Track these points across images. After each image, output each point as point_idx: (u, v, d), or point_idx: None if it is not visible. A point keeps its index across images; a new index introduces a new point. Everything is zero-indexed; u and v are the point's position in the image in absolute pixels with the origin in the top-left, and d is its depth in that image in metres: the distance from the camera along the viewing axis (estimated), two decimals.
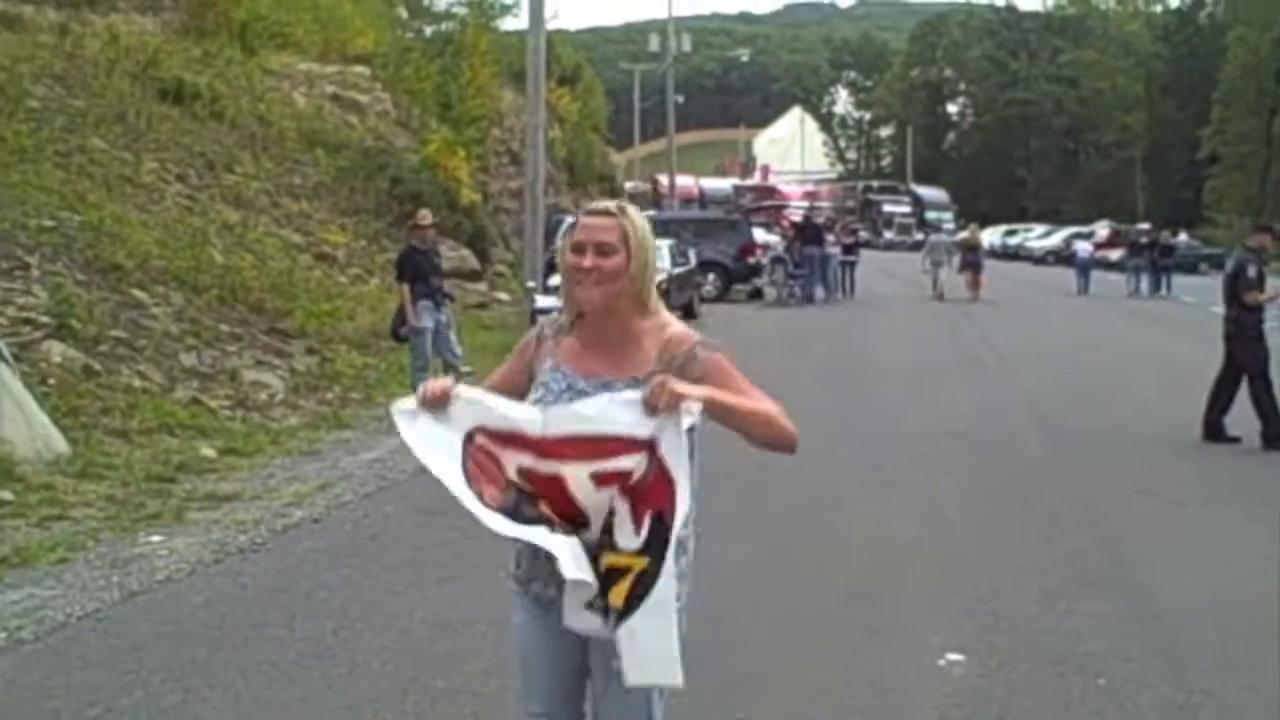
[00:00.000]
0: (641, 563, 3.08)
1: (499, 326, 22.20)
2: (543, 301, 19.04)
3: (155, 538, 8.17)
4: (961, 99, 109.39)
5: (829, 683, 5.61)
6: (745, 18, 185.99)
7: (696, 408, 3.05)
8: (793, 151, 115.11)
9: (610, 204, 3.32)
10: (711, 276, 30.48)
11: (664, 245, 25.09)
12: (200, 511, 8.98)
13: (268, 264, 17.97)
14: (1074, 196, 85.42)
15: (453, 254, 23.50)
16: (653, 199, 57.86)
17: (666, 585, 3.08)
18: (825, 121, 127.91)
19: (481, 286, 25.85)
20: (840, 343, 21.41)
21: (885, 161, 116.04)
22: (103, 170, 17.36)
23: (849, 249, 34.30)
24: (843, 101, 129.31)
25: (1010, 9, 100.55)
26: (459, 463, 3.25)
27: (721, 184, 74.48)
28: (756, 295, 31.43)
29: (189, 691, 5.46)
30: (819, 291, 31.52)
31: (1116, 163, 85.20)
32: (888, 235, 74.24)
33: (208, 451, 11.04)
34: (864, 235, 65.91)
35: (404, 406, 3.31)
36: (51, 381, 11.28)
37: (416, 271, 13.44)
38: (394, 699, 5.40)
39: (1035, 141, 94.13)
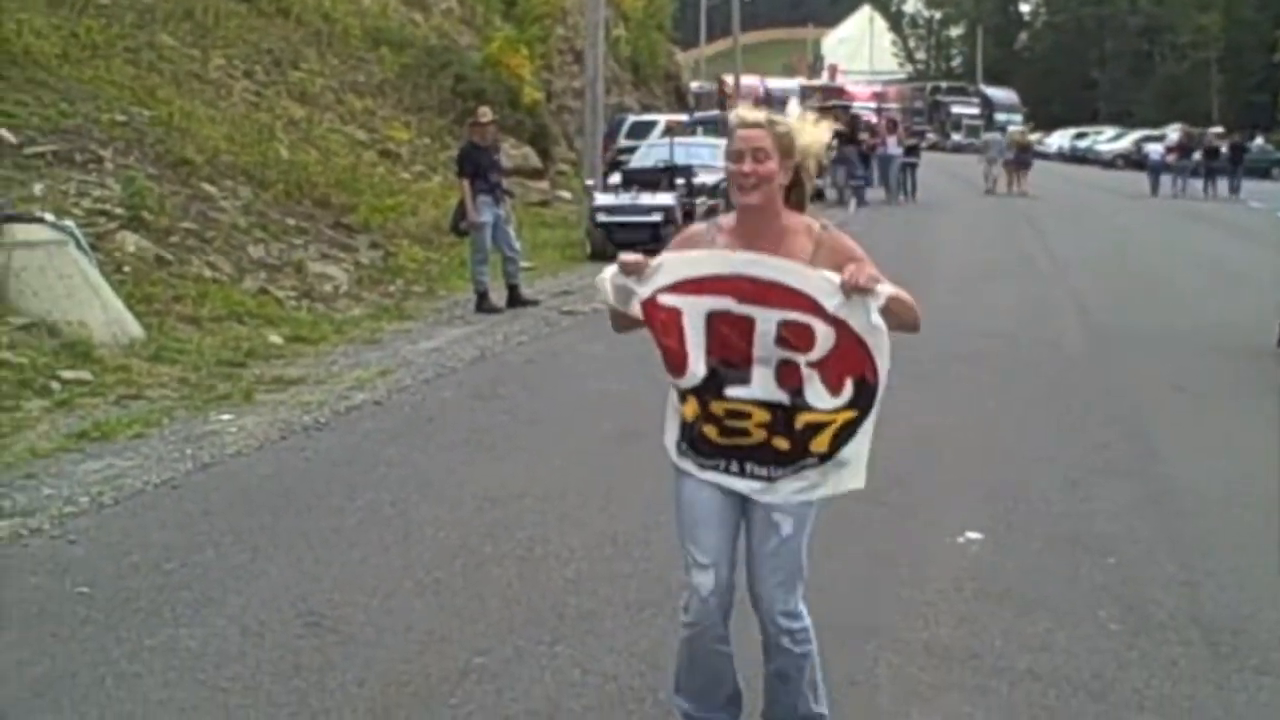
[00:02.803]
0: (848, 415, 3.64)
1: (560, 224, 22.53)
2: (601, 199, 19.31)
3: (225, 416, 8.65)
4: None
5: (856, 556, 5.94)
6: None
7: (887, 290, 3.53)
8: (861, 51, 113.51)
9: (760, 115, 3.70)
10: None
11: (722, 145, 25.18)
12: (268, 393, 9.45)
13: (332, 160, 18.36)
14: (1146, 99, 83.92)
15: (515, 152, 23.80)
16: (718, 99, 57.55)
17: (870, 422, 3.69)
18: (895, 21, 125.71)
19: (543, 184, 26.12)
20: (896, 244, 21.51)
21: (955, 62, 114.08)
22: (171, 66, 17.77)
23: (910, 150, 34.20)
24: (913, 0, 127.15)
25: None
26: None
27: (788, 84, 73.53)
28: (818, 196, 31.38)
29: (256, 550, 5.91)
30: (867, 194, 31.53)
31: (1191, 64, 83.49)
32: (955, 137, 73.47)
33: (275, 339, 11.52)
34: (932, 137, 65.44)
35: (605, 275, 3.75)
36: (126, 270, 11.77)
37: (476, 167, 13.74)
38: (445, 561, 5.82)
39: (1109, 42, 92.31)
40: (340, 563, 5.79)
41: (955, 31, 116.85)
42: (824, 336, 3.56)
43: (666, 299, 3.67)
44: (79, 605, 5.21)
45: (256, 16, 21.78)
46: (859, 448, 3.71)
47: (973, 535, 6.34)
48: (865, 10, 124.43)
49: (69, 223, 10.96)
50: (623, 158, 25.57)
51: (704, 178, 21.14)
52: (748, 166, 3.62)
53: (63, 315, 10.10)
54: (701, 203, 19.96)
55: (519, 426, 8.70)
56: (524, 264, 15.07)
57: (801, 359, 3.60)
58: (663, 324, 3.69)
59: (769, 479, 3.72)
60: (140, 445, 7.85)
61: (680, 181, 19.74)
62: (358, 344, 11.79)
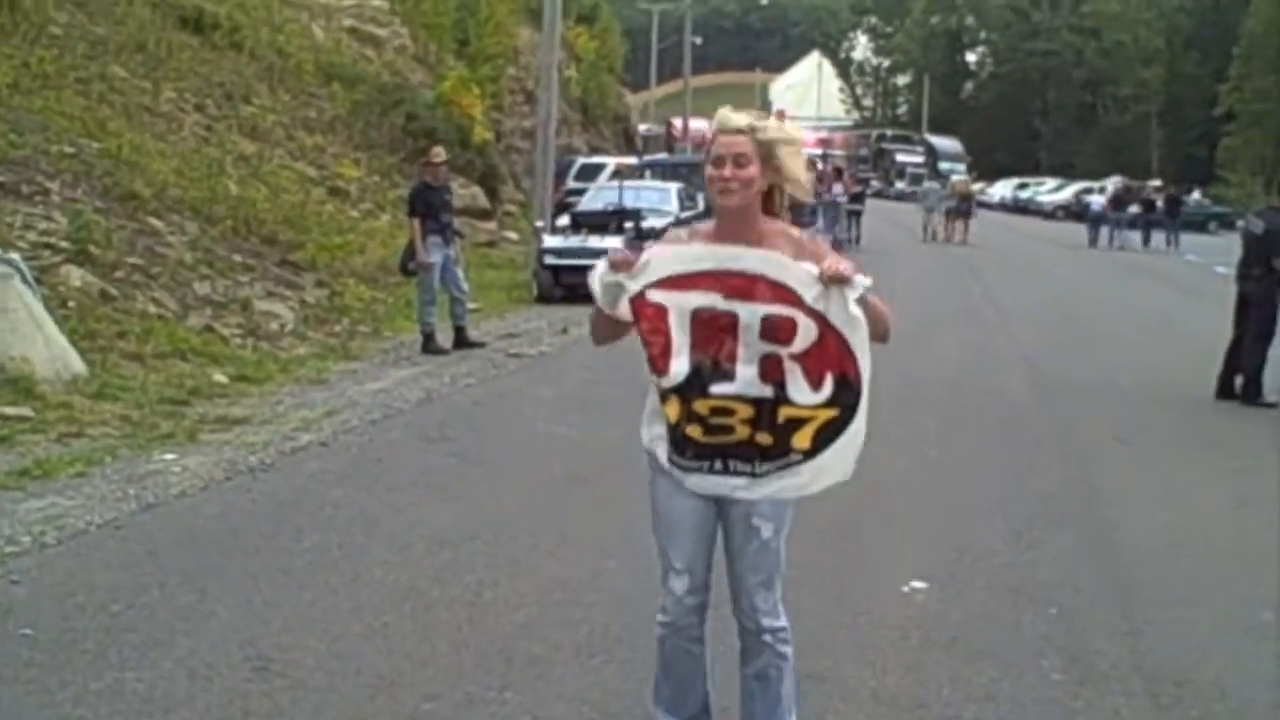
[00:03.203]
0: (828, 414, 3.73)
1: (507, 265, 22.58)
2: (550, 241, 19.35)
3: (169, 456, 8.58)
4: (981, 48, 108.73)
5: (803, 602, 5.93)
6: None
7: (865, 281, 3.65)
8: (809, 97, 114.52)
9: (741, 123, 3.76)
10: None
11: (671, 188, 25.33)
12: (212, 433, 9.39)
13: (281, 196, 18.32)
14: (1088, 150, 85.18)
15: (463, 192, 23.80)
16: (666, 142, 57.90)
17: (858, 428, 3.78)
18: (843, 68, 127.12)
19: (491, 225, 26.18)
20: None
21: (901, 110, 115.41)
22: (122, 98, 17.69)
23: (855, 198, 34.54)
24: (861, 47, 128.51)
25: None
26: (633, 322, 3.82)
27: None
28: None
29: (204, 592, 5.87)
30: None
31: (1133, 117, 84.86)
32: (899, 185, 74.15)
33: (219, 377, 11.45)
34: (876, 184, 65.95)
35: (597, 273, 3.81)
36: (71, 305, 11.67)
37: (427, 207, 13.75)
38: (394, 605, 5.79)
39: (1053, 93, 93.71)
40: (289, 605, 5.76)
41: (902, 80, 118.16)
42: (805, 329, 3.66)
43: (655, 295, 3.73)
44: (22, 647, 5.14)
45: (209, 50, 21.74)
46: (844, 450, 3.78)
47: (918, 584, 6.39)
48: (814, 56, 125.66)
49: (14, 255, 10.86)
50: (571, 199, 25.69)
51: (653, 221, 21.25)
52: (728, 171, 3.71)
53: (5, 350, 9.98)
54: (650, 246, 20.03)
55: (467, 469, 8.70)
56: (470, 305, 15.07)
57: (784, 351, 3.68)
58: (650, 321, 3.75)
59: (752, 474, 3.79)
60: (82, 484, 7.77)
61: (629, 225, 19.83)
62: (303, 384, 11.74)
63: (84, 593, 5.80)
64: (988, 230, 41.07)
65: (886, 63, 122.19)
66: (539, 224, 20.21)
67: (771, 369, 3.70)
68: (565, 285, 18.79)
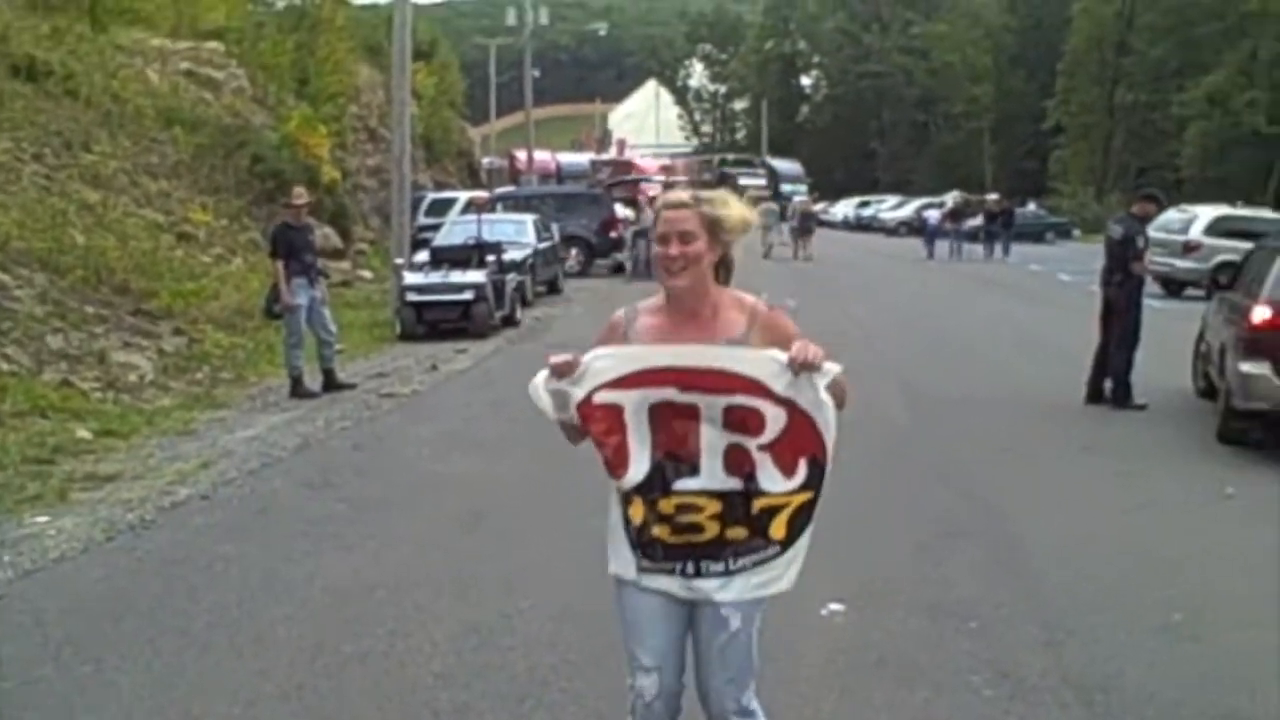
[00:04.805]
0: (803, 497, 3.55)
1: (364, 304, 22.21)
2: (411, 278, 19.07)
3: (41, 518, 8.19)
4: (815, 71, 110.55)
5: None
6: None
7: (834, 368, 3.47)
8: (648, 125, 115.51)
9: (685, 196, 3.60)
10: (575, 251, 30.67)
11: (527, 220, 25.22)
12: (83, 491, 9.00)
13: (130, 244, 17.72)
14: (924, 167, 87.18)
15: (315, 232, 23.39)
16: (510, 175, 57.68)
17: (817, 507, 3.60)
18: (680, 95, 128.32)
19: (345, 265, 25.78)
20: None
21: (740, 134, 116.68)
22: None
23: None
24: (698, 74, 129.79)
25: None
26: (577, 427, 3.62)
27: (578, 158, 74.35)
28: (619, 270, 31.59)
29: (100, 662, 5.56)
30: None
31: (966, 133, 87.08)
32: None
33: (83, 433, 11.00)
34: None
35: (538, 383, 3.60)
36: None
37: (290, 248, 13.39)
38: (304, 664, 5.56)
39: (887, 113, 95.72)
40: (195, 669, 5.49)
41: (739, 105, 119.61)
42: (774, 418, 3.47)
43: (604, 396, 3.53)
44: None
45: (44, 98, 20.98)
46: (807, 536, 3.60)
47: (835, 607, 6.34)
48: (651, 85, 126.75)
49: None
50: (424, 235, 25.40)
51: (512, 254, 21.17)
52: (674, 250, 3.53)
53: None
54: (512, 279, 19.93)
55: (358, 515, 8.43)
56: (337, 346, 14.73)
57: (752, 443, 3.49)
58: (602, 423, 3.54)
59: (726, 573, 3.56)
60: None
61: (490, 258, 19.66)
62: (171, 435, 11.34)
63: None
64: (835, 248, 41.87)
65: (723, 89, 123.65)
66: (399, 261, 19.88)
67: (738, 460, 3.51)
68: (428, 321, 18.56)
